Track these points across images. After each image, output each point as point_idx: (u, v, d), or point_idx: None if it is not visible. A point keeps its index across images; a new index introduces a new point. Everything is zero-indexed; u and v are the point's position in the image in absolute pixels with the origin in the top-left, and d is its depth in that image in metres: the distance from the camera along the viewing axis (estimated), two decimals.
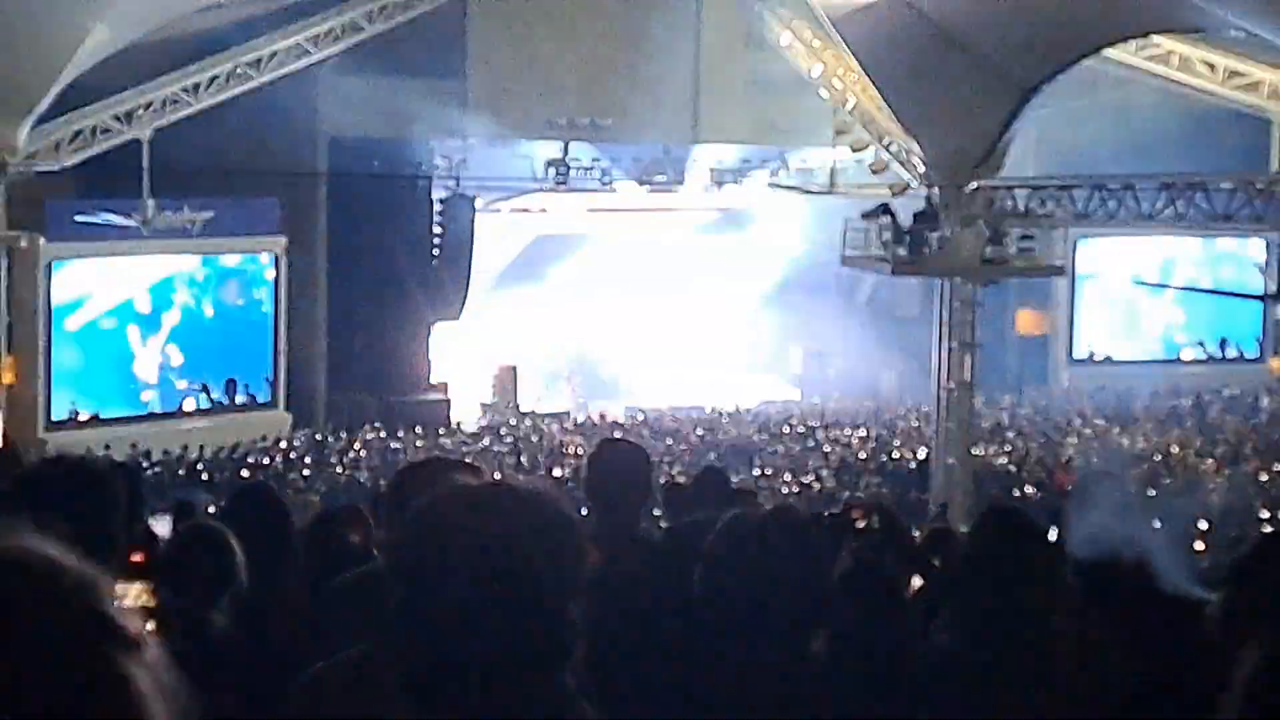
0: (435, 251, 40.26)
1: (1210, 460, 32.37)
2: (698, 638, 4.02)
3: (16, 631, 1.48)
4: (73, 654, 1.49)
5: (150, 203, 33.65)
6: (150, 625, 1.70)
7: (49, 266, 33.50)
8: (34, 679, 1.46)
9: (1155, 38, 35.33)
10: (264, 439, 34.71)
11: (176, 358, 36.28)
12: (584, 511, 5.67)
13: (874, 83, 32.45)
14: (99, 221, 33.51)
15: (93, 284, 34.89)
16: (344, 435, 35.83)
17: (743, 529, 4.01)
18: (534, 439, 36.94)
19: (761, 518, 4.16)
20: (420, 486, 3.92)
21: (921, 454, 33.22)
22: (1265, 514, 25.52)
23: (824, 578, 4.13)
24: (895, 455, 34.20)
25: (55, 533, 1.60)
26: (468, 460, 24.28)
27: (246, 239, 36.77)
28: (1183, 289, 43.08)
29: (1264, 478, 29.94)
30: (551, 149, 41.11)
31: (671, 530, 6.88)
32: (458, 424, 39.52)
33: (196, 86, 33.34)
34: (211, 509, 19.37)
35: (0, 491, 4.33)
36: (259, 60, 34.01)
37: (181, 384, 36.31)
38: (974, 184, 30.17)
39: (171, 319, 36.18)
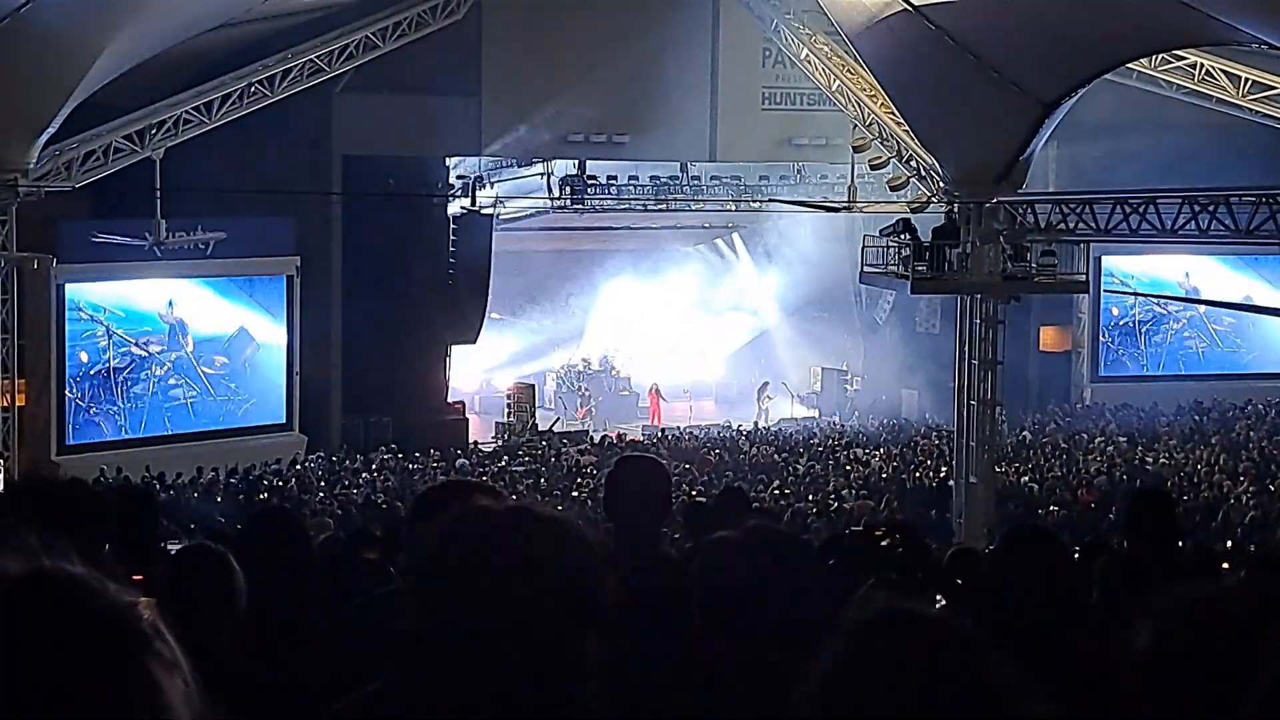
0: (451, 270, 39.97)
1: (1237, 478, 32.01)
2: (705, 657, 3.95)
3: (47, 649, 1.56)
4: (108, 661, 1.58)
5: (163, 223, 33.51)
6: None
7: (61, 288, 33.36)
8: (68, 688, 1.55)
9: (1177, 50, 35.05)
10: (278, 461, 34.46)
11: (191, 379, 36.08)
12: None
13: (893, 98, 32.23)
14: (111, 242, 33.34)
15: (105, 305, 34.71)
16: (359, 457, 35.58)
17: (723, 550, 3.90)
18: (551, 459, 36.71)
19: (739, 537, 3.98)
20: (441, 510, 3.89)
21: (943, 473, 32.91)
22: None
23: (816, 594, 3.93)
24: (917, 474, 33.90)
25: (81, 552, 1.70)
26: (485, 482, 23.92)
27: (260, 259, 36.57)
28: (1204, 303, 42.80)
29: None
30: (567, 166, 40.93)
31: (691, 549, 6.77)
32: (475, 445, 39.26)
33: (209, 105, 33.18)
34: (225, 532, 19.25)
35: (27, 513, 4.36)
36: (272, 78, 33.86)
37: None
38: (995, 199, 29.86)
39: (185, 340, 35.98)
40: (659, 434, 41.18)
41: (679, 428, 42.26)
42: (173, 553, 7.23)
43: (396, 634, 2.67)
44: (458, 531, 2.59)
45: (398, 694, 2.70)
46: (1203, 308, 43.36)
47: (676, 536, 12.06)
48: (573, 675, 2.51)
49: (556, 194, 40.97)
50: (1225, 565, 16.69)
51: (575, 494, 31.37)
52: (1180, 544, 9.01)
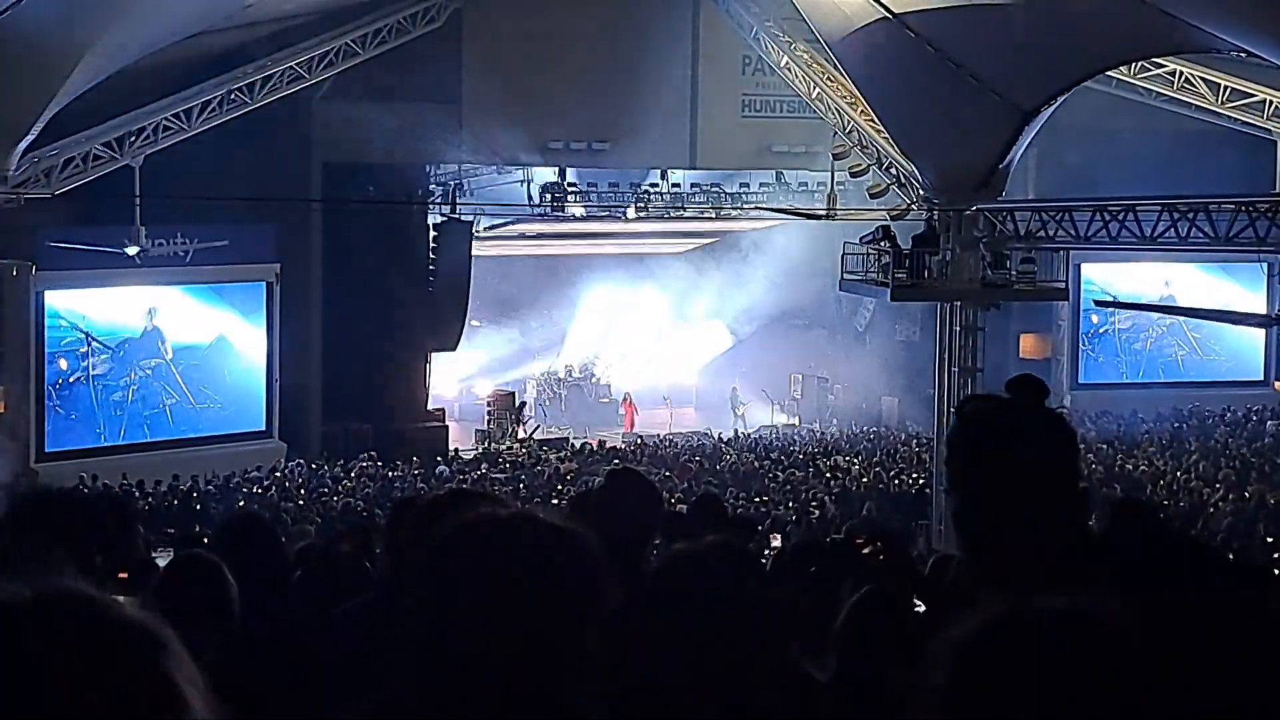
0: (431, 277, 39.95)
1: (1215, 485, 32.04)
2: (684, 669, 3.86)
3: (76, 688, 1.49)
4: (135, 677, 1.53)
5: (142, 230, 33.42)
6: None
7: (40, 295, 33.28)
8: None
9: (1157, 58, 35.17)
10: (258, 468, 34.38)
11: (170, 386, 36.00)
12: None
13: (872, 106, 32.27)
14: (90, 250, 33.24)
15: (85, 312, 34.63)
16: (339, 464, 35.51)
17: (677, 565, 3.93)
18: (533, 466, 36.65)
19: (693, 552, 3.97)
20: (417, 520, 4.07)
21: (922, 480, 32.92)
22: (1271, 539, 25.14)
23: (765, 609, 3.89)
24: (896, 481, 33.90)
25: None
26: (466, 489, 23.82)
27: (240, 266, 36.50)
28: (1182, 312, 42.90)
29: (1271, 501, 29.58)
30: (548, 173, 40.91)
31: (667, 558, 6.75)
32: (455, 452, 39.19)
33: (188, 113, 33.15)
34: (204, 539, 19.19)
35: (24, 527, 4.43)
36: (252, 85, 33.85)
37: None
38: (974, 207, 29.93)
39: (165, 347, 35.90)
40: (639, 441, 41.16)
41: (658, 435, 42.24)
42: (163, 562, 7.24)
43: (389, 642, 2.68)
44: (465, 537, 2.60)
45: (403, 702, 2.69)
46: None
47: (656, 543, 12.07)
48: (575, 679, 2.54)
49: (536, 201, 40.95)
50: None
51: (555, 501, 31.28)
52: None
